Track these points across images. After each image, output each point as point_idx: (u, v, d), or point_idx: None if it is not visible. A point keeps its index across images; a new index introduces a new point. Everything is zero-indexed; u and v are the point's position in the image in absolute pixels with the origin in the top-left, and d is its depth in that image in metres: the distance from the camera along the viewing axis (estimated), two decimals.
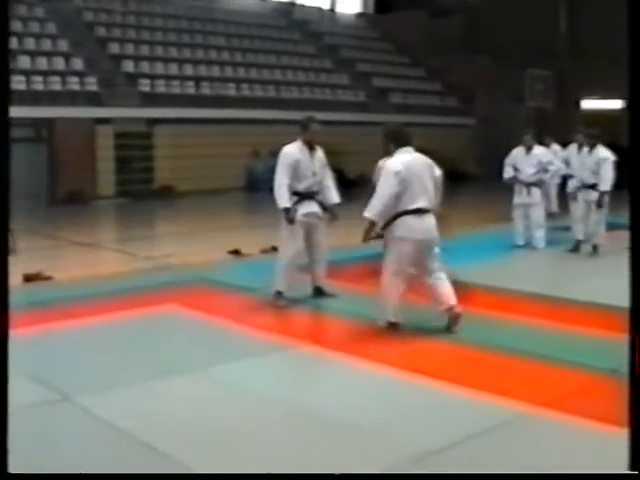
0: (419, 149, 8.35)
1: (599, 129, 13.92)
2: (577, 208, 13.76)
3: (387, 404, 6.41)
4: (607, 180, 13.03)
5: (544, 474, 4.04)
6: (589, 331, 8.40)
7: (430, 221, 8.27)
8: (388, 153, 8.46)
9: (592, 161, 13.25)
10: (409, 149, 8.34)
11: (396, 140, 8.40)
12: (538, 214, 14.30)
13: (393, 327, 8.32)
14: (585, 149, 13.60)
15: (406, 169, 8.09)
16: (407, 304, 8.44)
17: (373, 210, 8.14)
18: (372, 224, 8.20)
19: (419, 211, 8.15)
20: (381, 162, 11.75)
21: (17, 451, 3.43)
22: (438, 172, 8.49)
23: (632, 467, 2.92)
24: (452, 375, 7.02)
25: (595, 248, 13.49)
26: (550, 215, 15.59)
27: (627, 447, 3.54)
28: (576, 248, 13.66)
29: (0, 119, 3.08)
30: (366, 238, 8.25)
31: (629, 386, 2.93)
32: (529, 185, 14.11)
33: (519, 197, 14.24)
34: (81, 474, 3.97)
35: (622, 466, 5.05)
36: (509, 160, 14.31)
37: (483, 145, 29.83)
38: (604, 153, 13.19)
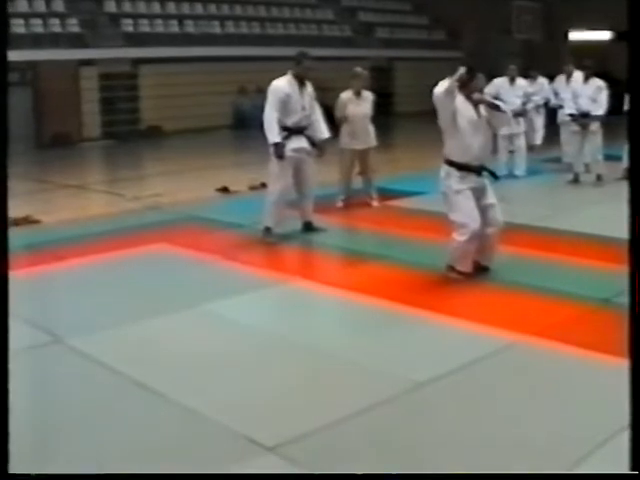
0: None
1: (590, 60, 14.17)
2: (571, 137, 14.07)
3: (378, 336, 6.45)
4: (604, 106, 13.48)
5: (545, 474, 4.07)
6: (582, 261, 8.44)
7: None
8: None
9: (590, 89, 13.58)
10: None
11: None
12: (522, 142, 14.69)
13: None
14: (579, 79, 13.96)
15: None
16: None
17: None
18: None
19: None
20: (343, 95, 11.75)
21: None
22: None
23: (632, 467, 2.92)
24: (441, 307, 7.07)
25: (599, 177, 13.75)
26: (530, 148, 15.65)
27: (617, 377, 3.54)
28: (576, 179, 13.79)
29: None
30: None
31: (629, 326, 2.93)
32: (515, 115, 14.20)
33: (504, 128, 14.25)
34: (81, 474, 3.98)
35: (607, 391, 5.12)
36: (490, 90, 14.26)
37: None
38: (600, 82, 13.61)
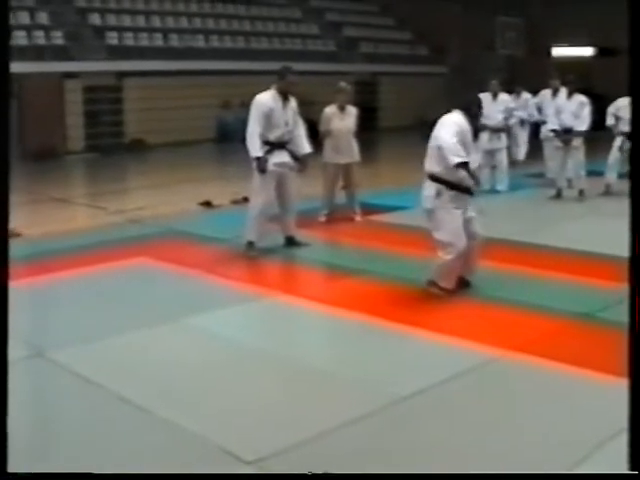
0: None
1: (573, 76, 14.30)
2: (554, 152, 14.15)
3: (360, 351, 6.46)
4: (586, 122, 13.52)
5: (545, 474, 4.08)
6: (563, 276, 8.46)
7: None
8: None
9: (573, 105, 13.65)
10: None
11: None
12: (504, 157, 14.77)
13: None
14: (563, 94, 14.02)
15: None
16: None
17: None
18: None
19: None
20: (328, 109, 11.79)
21: None
22: None
23: (632, 467, 2.95)
24: (424, 321, 7.08)
25: (581, 192, 13.75)
26: (512, 163, 15.75)
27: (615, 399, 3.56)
28: (559, 194, 13.82)
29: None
30: None
31: (629, 344, 2.96)
32: (497, 130, 14.39)
33: (485, 143, 14.30)
34: (81, 474, 3.97)
35: (589, 405, 5.15)
36: None
37: (453, 94, 29.59)
38: (583, 98, 13.68)
